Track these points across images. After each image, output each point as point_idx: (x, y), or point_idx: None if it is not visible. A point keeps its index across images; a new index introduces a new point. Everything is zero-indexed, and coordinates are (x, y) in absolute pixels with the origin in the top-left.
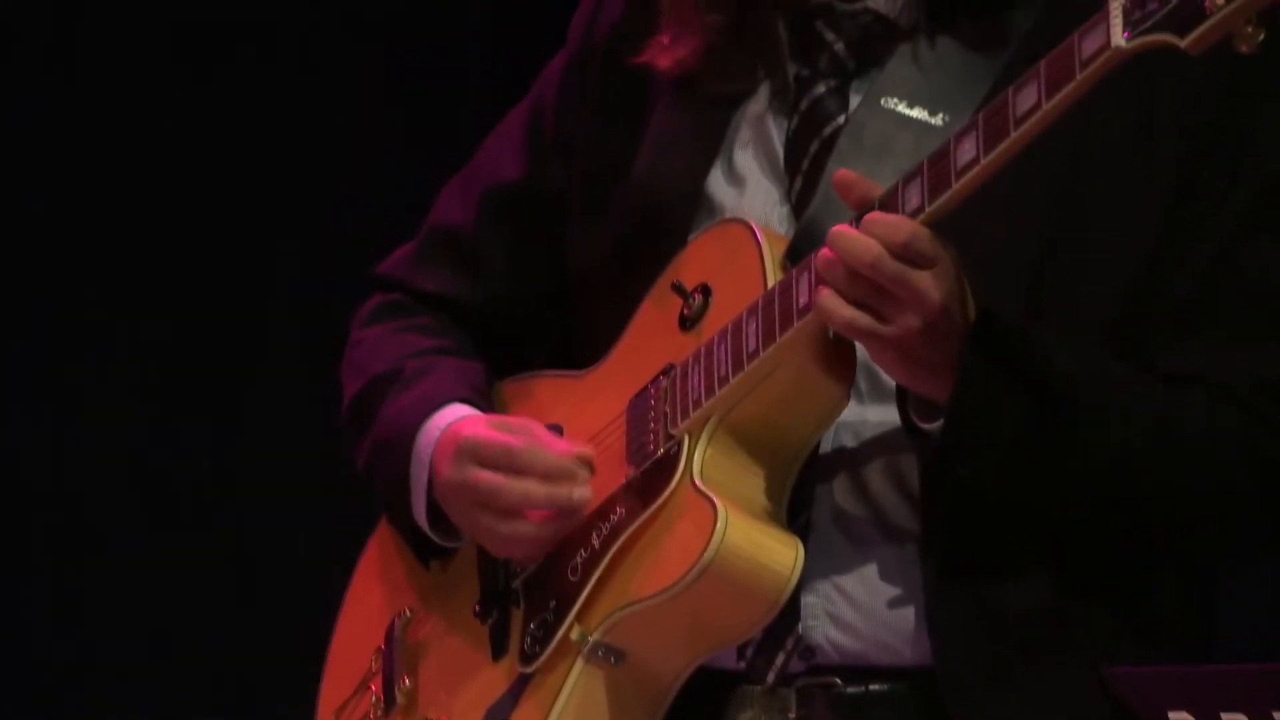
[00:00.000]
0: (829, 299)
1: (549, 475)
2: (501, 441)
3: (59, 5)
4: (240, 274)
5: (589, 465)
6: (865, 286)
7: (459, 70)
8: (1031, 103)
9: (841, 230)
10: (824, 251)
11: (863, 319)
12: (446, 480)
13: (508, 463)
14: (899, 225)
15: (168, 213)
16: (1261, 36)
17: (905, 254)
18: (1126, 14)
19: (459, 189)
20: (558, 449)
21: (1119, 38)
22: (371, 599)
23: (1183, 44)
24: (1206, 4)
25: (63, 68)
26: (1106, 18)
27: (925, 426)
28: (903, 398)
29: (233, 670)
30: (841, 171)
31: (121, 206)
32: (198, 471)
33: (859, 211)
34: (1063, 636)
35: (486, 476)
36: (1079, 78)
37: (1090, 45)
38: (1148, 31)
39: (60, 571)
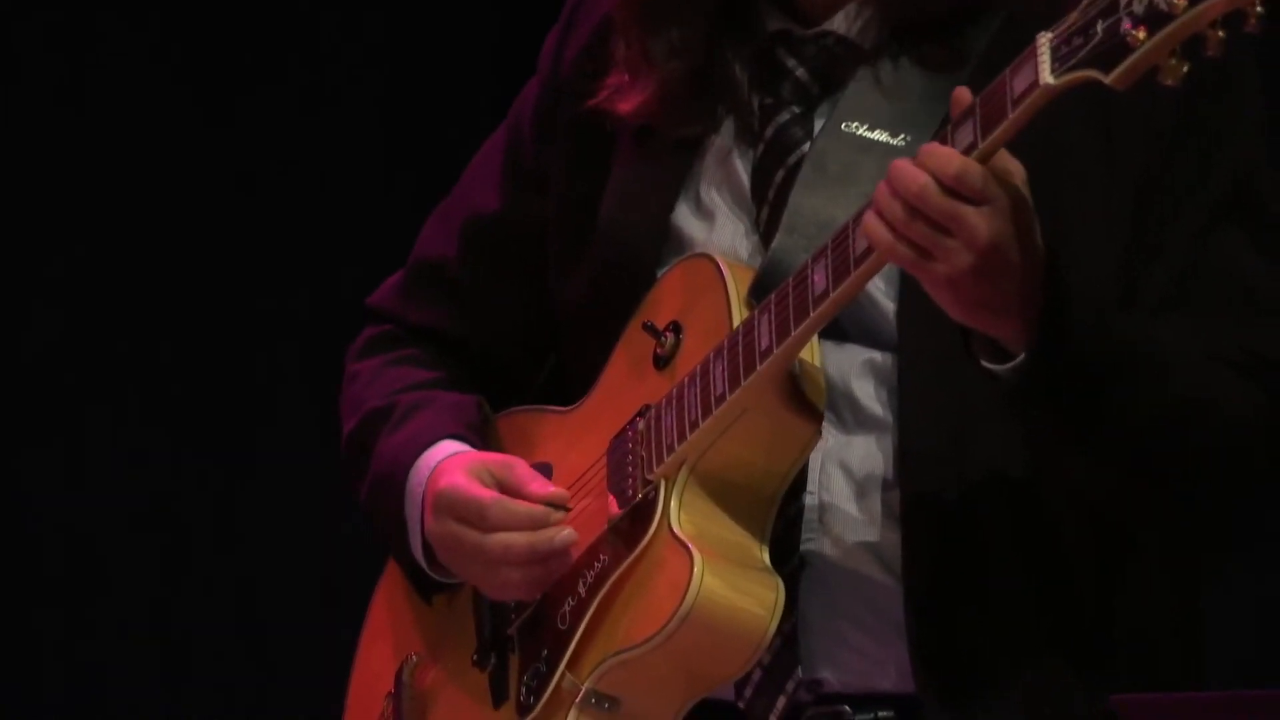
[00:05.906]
0: (874, 225)
1: (525, 525)
2: (474, 497)
3: (68, 45)
4: (251, 310)
5: (564, 505)
6: (917, 221)
7: (468, 112)
8: (969, 141)
9: (898, 162)
10: (882, 183)
11: (906, 249)
12: (431, 531)
13: (480, 520)
14: (950, 158)
15: (180, 247)
16: (1185, 69)
17: (957, 188)
18: (1054, 51)
19: (441, 219)
20: (533, 491)
21: (1047, 75)
22: (383, 640)
23: (1108, 79)
24: (1129, 39)
25: (73, 107)
26: (1035, 55)
27: (993, 368)
28: (966, 336)
29: (244, 712)
30: (959, 90)
31: (132, 242)
32: (207, 509)
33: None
34: (1040, 669)
35: (466, 533)
36: (1012, 116)
37: (1021, 83)
38: (1074, 68)
39: (69, 608)
